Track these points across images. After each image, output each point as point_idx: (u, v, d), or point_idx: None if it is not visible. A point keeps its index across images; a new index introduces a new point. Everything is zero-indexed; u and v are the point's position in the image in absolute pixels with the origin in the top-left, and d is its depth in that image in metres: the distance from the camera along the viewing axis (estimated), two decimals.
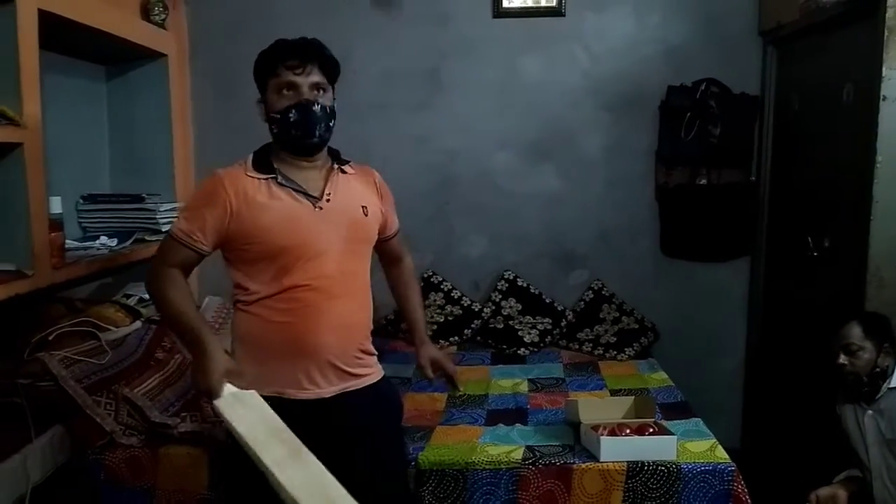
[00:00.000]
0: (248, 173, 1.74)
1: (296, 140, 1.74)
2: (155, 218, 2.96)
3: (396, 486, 1.96)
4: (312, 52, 1.73)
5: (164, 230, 3.00)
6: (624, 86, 3.44)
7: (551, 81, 3.48)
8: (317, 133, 1.74)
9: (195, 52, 3.49)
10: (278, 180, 1.74)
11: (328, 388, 1.75)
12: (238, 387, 1.59)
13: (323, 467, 1.35)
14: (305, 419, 1.65)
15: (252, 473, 1.70)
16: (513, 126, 3.50)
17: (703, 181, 3.38)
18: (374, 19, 3.45)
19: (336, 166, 1.84)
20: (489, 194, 3.53)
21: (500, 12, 3.44)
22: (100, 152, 3.16)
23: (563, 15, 3.43)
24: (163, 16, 3.13)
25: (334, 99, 1.80)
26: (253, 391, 1.59)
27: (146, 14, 3.08)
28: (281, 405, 1.65)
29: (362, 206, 1.83)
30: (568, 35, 3.45)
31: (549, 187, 3.52)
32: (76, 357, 2.29)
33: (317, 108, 1.73)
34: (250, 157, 1.79)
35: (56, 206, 2.33)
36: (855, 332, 2.14)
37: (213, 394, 1.56)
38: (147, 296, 2.93)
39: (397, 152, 3.44)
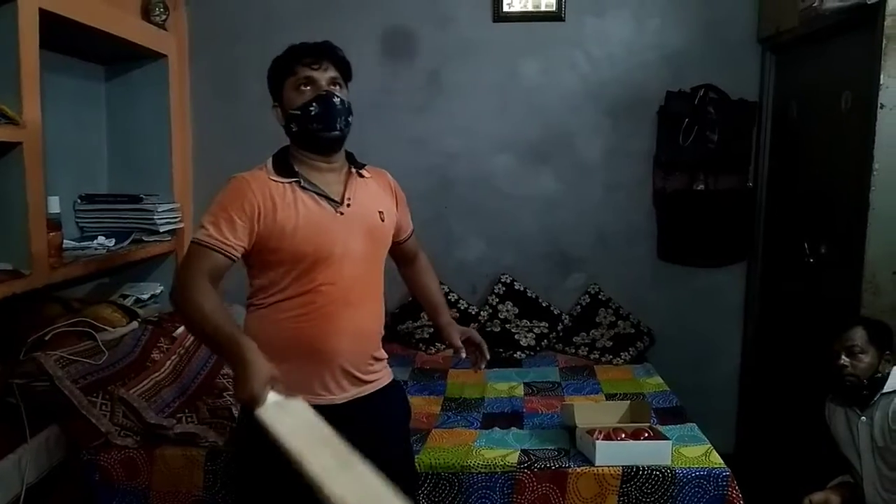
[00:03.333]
0: (271, 177, 1.70)
1: (316, 134, 1.72)
2: (153, 218, 2.96)
3: (408, 489, 1.96)
4: (327, 51, 1.74)
5: (161, 230, 3.00)
6: (623, 90, 3.45)
7: (551, 85, 3.48)
8: (337, 126, 1.73)
9: (195, 54, 3.49)
10: (301, 184, 1.71)
11: (341, 395, 1.73)
12: (283, 395, 1.47)
13: (375, 476, 1.27)
14: None
15: (262, 480, 1.69)
16: (512, 129, 3.51)
17: (701, 187, 3.39)
18: (374, 21, 3.45)
19: (354, 170, 1.82)
20: (488, 197, 3.54)
21: (500, 16, 3.44)
22: (98, 152, 3.16)
23: (562, 20, 3.44)
24: (163, 16, 3.13)
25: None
26: (299, 398, 1.48)
27: (147, 14, 3.09)
28: None
29: (379, 212, 1.81)
30: (568, 39, 3.46)
31: (548, 191, 3.53)
32: (72, 357, 2.28)
33: (336, 100, 1.72)
34: (269, 160, 1.75)
35: (54, 205, 2.34)
36: (859, 335, 2.15)
37: (257, 402, 1.42)
38: (145, 296, 2.95)
39: (396, 154, 3.43)
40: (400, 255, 2.04)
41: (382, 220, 1.81)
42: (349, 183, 1.78)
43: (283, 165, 1.74)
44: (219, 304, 1.59)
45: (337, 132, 1.73)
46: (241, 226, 1.64)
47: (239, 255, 1.67)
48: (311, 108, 1.70)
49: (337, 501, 1.21)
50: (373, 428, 1.75)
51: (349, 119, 1.76)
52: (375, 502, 1.23)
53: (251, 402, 1.42)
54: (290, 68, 1.72)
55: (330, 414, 1.69)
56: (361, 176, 1.83)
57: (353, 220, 1.74)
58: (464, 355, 2.06)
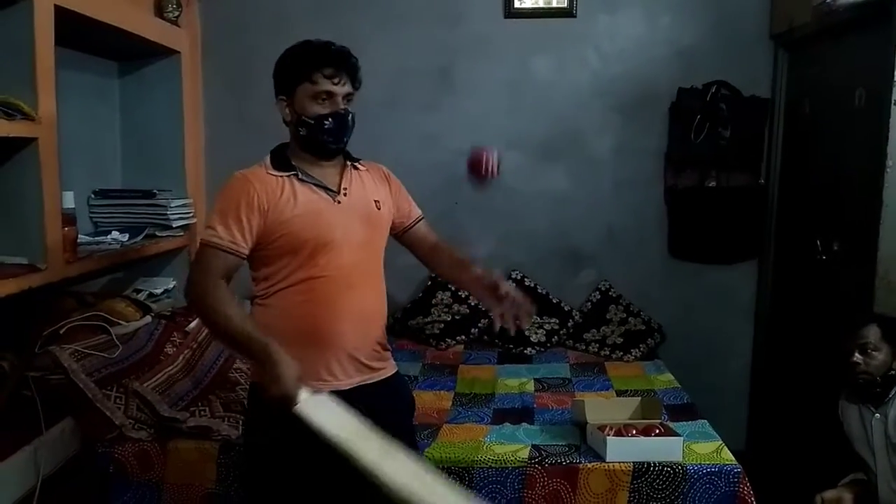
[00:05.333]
0: (270, 172, 1.77)
1: (324, 145, 1.79)
2: (166, 213, 2.99)
3: None
4: (347, 63, 1.77)
5: (174, 225, 3.02)
6: (634, 87, 3.44)
7: (562, 82, 3.48)
8: (344, 140, 1.82)
9: (208, 49, 3.51)
10: (299, 177, 1.78)
11: (347, 381, 1.77)
12: (309, 390, 1.59)
13: (413, 458, 1.51)
14: None
15: (274, 473, 1.72)
16: (522, 126, 3.50)
17: (713, 183, 3.38)
18: (386, 17, 3.45)
19: (349, 163, 1.88)
20: (498, 194, 3.54)
21: (511, 12, 3.44)
22: (112, 148, 3.18)
23: (574, 16, 3.43)
24: (176, 13, 3.15)
25: None
26: (324, 393, 1.62)
27: (160, 11, 3.11)
28: None
29: (375, 201, 1.87)
30: (579, 36, 3.45)
31: (558, 187, 3.52)
32: (87, 351, 2.30)
33: (350, 118, 1.79)
34: (268, 157, 1.82)
35: (69, 200, 2.36)
36: (873, 332, 2.14)
37: (292, 400, 1.54)
38: (158, 291, 2.97)
39: (407, 151, 3.44)
40: (418, 241, 2.00)
41: (379, 209, 1.87)
42: (345, 174, 1.85)
43: (281, 160, 1.80)
44: (238, 306, 1.68)
45: (342, 145, 1.83)
46: (248, 224, 1.71)
47: (248, 254, 1.74)
48: (326, 123, 1.76)
49: (392, 479, 1.42)
50: (377, 416, 1.75)
51: (352, 130, 1.83)
52: (422, 479, 1.44)
53: (287, 401, 1.54)
54: (307, 74, 1.74)
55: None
56: (356, 168, 1.89)
57: (351, 208, 1.81)
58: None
